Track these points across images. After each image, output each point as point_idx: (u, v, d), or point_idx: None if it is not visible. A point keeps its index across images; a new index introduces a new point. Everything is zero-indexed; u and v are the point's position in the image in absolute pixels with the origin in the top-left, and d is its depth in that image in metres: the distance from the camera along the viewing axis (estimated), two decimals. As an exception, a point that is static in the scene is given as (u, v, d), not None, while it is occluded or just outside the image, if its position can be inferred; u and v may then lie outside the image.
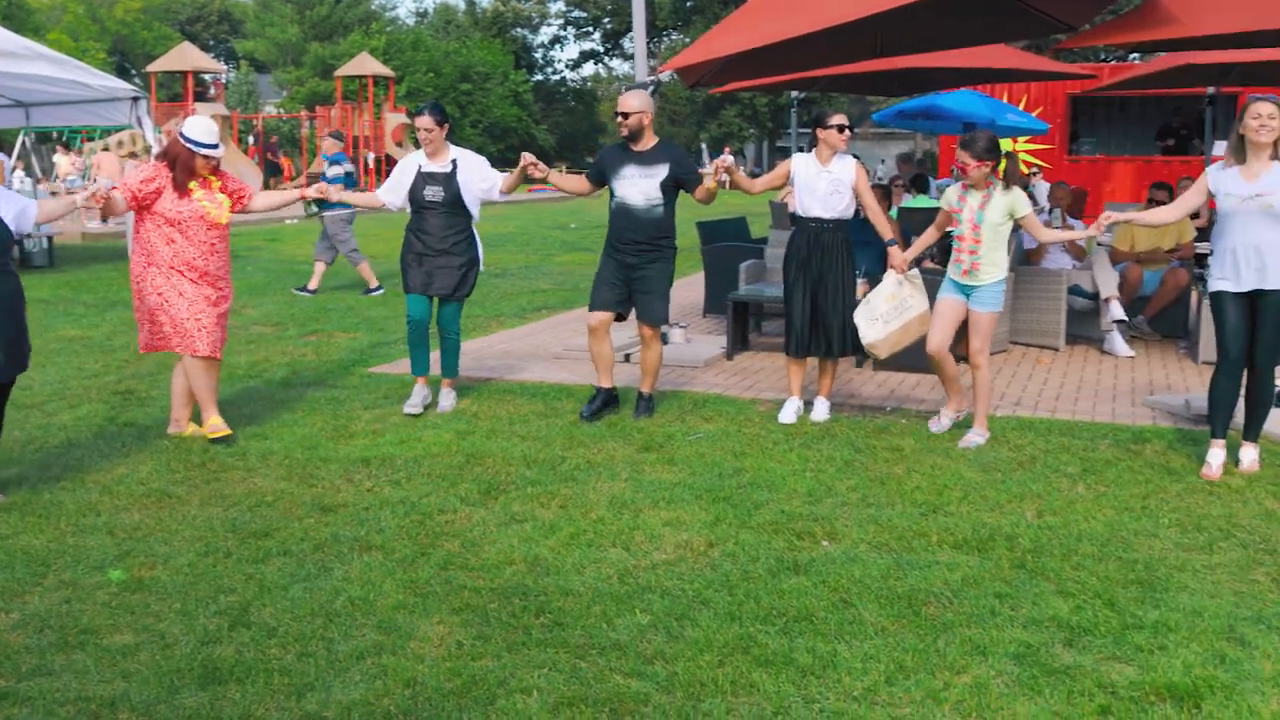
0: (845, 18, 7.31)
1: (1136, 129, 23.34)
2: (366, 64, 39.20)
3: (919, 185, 13.62)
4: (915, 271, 7.00)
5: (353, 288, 13.45)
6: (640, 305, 7.21)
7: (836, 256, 7.03)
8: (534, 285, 14.21)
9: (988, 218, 6.52)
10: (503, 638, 4.08)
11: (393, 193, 7.41)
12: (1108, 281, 9.54)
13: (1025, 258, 9.96)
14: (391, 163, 33.75)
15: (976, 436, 6.65)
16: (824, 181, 6.97)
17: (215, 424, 6.58)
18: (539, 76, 69.79)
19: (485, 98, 54.14)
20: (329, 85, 44.97)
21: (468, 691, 3.69)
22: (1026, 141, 21.37)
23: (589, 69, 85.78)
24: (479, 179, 7.33)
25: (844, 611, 4.28)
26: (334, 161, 13.23)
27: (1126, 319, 9.46)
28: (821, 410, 7.19)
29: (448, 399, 7.48)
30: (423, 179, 7.25)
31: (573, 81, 72.64)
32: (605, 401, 7.26)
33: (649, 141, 7.16)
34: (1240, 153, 5.96)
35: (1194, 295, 9.86)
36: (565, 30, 70.21)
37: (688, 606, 4.34)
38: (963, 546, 4.96)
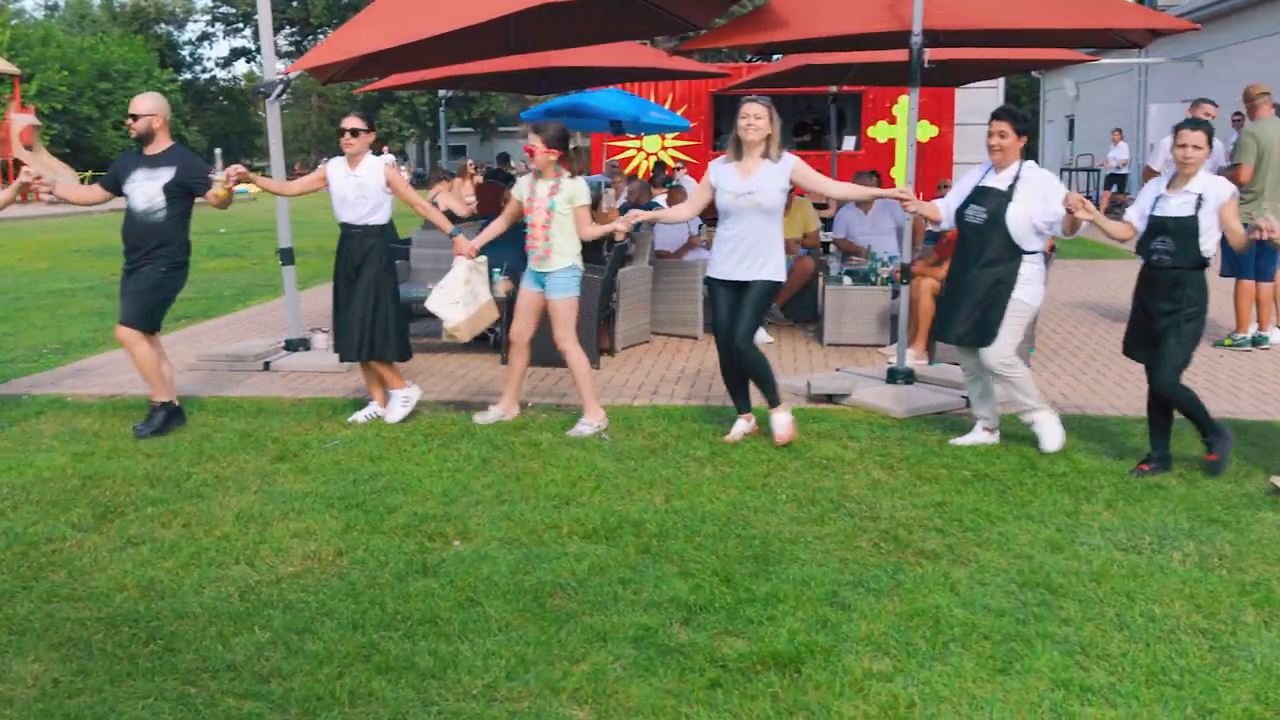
0: (472, 20, 7.31)
1: (775, 126, 24.53)
2: (-12, 61, 36.26)
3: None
4: (483, 259, 7.09)
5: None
6: (119, 307, 6.99)
7: (368, 261, 6.91)
8: (175, 294, 13.51)
9: (559, 205, 6.67)
10: (106, 670, 3.83)
11: None
12: (741, 271, 9.97)
13: (657, 254, 10.29)
14: (20, 166, 31.30)
15: (584, 426, 6.78)
16: (350, 186, 6.91)
17: None
18: (187, 75, 66.72)
19: (128, 97, 51.06)
20: (-55, 84, 41.31)
21: (60, 731, 3.45)
22: (674, 138, 22.11)
23: (241, 67, 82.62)
24: None
25: (469, 610, 4.27)
26: None
27: (759, 307, 9.91)
28: (370, 412, 7.10)
29: None
30: None
31: (224, 80, 69.85)
32: (166, 418, 6.92)
33: (160, 145, 6.99)
34: (737, 150, 6.36)
35: (820, 282, 10.45)
36: (213, 26, 67.27)
37: (310, 619, 4.21)
38: (592, 536, 5.05)
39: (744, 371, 6.60)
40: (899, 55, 8.88)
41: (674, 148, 22.50)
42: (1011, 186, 6.19)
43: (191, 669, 3.84)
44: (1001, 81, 22.66)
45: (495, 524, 5.21)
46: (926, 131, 22.07)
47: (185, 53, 68.00)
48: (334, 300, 7.08)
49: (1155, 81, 27.16)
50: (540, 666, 3.82)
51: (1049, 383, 8.19)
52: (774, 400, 6.57)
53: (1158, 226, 5.90)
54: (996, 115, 6.25)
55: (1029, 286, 6.24)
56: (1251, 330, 9.61)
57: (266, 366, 8.69)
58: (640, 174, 20.81)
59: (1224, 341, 9.57)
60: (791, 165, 6.38)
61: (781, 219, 6.53)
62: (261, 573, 4.68)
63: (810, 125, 22.68)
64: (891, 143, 21.84)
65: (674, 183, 16.38)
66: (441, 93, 15.73)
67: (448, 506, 5.47)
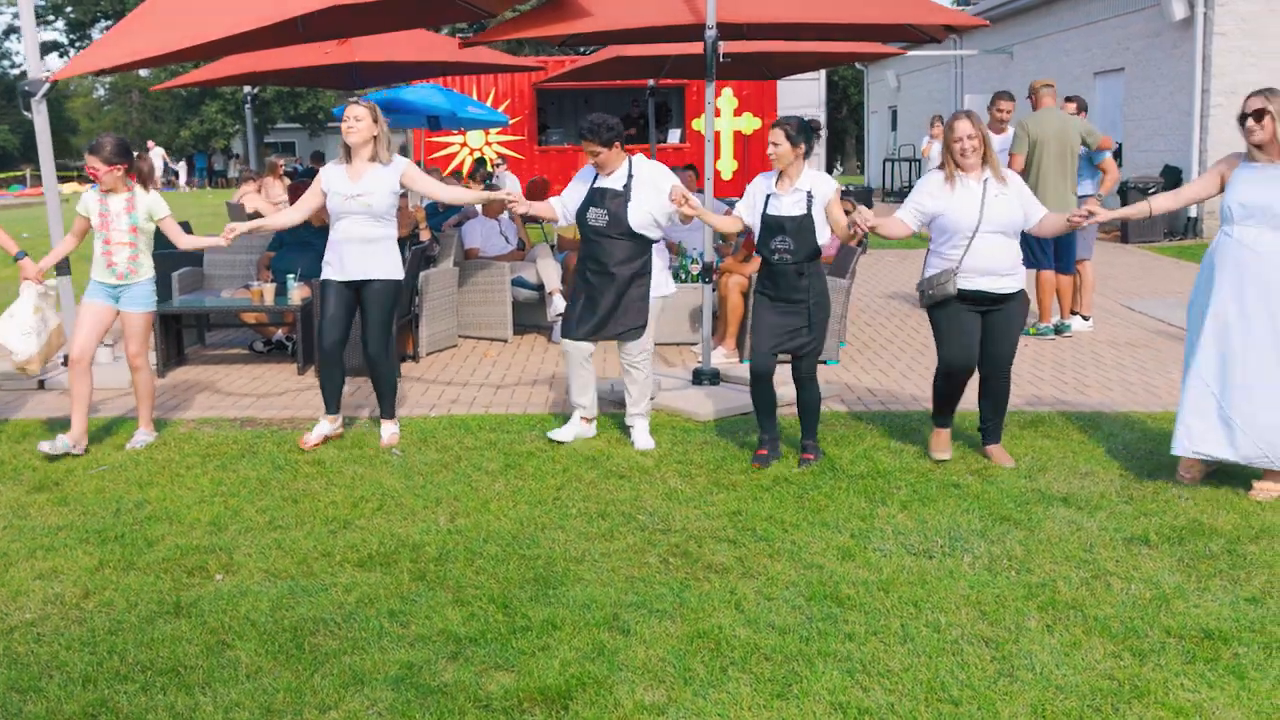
0: (258, 23, 6.91)
1: (601, 119, 24.32)
2: None
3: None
4: (53, 283, 6.87)
5: None
6: None
7: None
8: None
9: (140, 221, 6.50)
10: None
11: None
12: (551, 273, 9.74)
13: (466, 254, 10.00)
14: None
15: (144, 435, 6.65)
16: None
17: None
18: (-6, 70, 63.55)
19: (-75, 94, 48.50)
20: None
21: None
22: (497, 133, 21.76)
23: (55, 61, 78.99)
24: None
25: (220, 655, 3.94)
26: None
27: (568, 308, 9.70)
28: None
29: None
30: None
31: (34, 76, 66.54)
32: None
33: None
34: (348, 154, 6.45)
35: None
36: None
37: (38, 675, 3.82)
38: (366, 563, 4.75)
39: (373, 379, 6.67)
40: (699, 48, 8.76)
41: (498, 143, 22.14)
42: (627, 185, 6.35)
43: (-111, 742, 3.44)
44: (823, 74, 22.89)
45: (264, 554, 4.87)
46: (750, 124, 22.17)
47: (-9, 46, 64.88)
48: None
49: (970, 72, 27.82)
50: (287, 717, 3.52)
51: (856, 378, 8.15)
52: (390, 413, 6.66)
53: (774, 226, 5.99)
54: (583, 134, 6.30)
55: (660, 277, 6.52)
56: (1054, 319, 9.78)
57: (42, 385, 8.12)
58: (464, 170, 20.41)
59: (1029, 330, 9.71)
60: (401, 168, 6.44)
61: (395, 221, 6.54)
62: (-7, 622, 4.27)
63: (636, 119, 22.53)
64: (716, 136, 21.85)
65: (493, 179, 16.09)
66: (247, 89, 15.03)
67: (215, 536, 5.10)
